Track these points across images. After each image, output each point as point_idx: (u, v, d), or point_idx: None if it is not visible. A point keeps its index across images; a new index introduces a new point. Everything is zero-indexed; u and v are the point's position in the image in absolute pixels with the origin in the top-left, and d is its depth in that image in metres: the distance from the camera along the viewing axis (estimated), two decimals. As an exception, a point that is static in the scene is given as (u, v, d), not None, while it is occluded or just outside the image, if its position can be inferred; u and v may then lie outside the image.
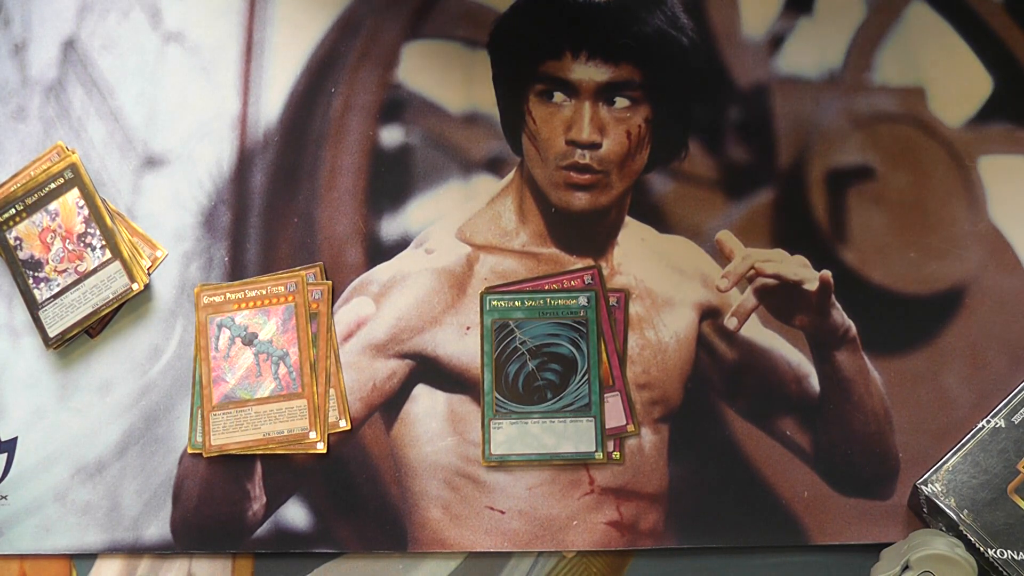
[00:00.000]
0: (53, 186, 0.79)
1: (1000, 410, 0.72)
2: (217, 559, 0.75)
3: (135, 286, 0.77)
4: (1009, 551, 0.68)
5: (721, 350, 0.76)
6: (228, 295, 0.77)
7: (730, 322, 0.76)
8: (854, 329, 0.76)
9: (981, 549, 0.68)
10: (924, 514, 0.71)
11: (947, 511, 0.69)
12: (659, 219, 0.79)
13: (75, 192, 0.79)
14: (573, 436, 0.74)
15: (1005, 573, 0.68)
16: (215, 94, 0.82)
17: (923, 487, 0.70)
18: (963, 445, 0.71)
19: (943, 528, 0.70)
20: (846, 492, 0.73)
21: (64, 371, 0.78)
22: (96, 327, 0.78)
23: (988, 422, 0.71)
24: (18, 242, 0.78)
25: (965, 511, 0.69)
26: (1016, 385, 0.73)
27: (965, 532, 0.69)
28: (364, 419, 0.76)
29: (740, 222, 0.78)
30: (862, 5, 0.82)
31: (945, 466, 0.71)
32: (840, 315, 0.76)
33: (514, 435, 0.74)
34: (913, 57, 0.81)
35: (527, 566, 0.74)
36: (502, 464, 0.74)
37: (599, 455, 0.74)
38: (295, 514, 0.74)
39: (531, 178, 0.79)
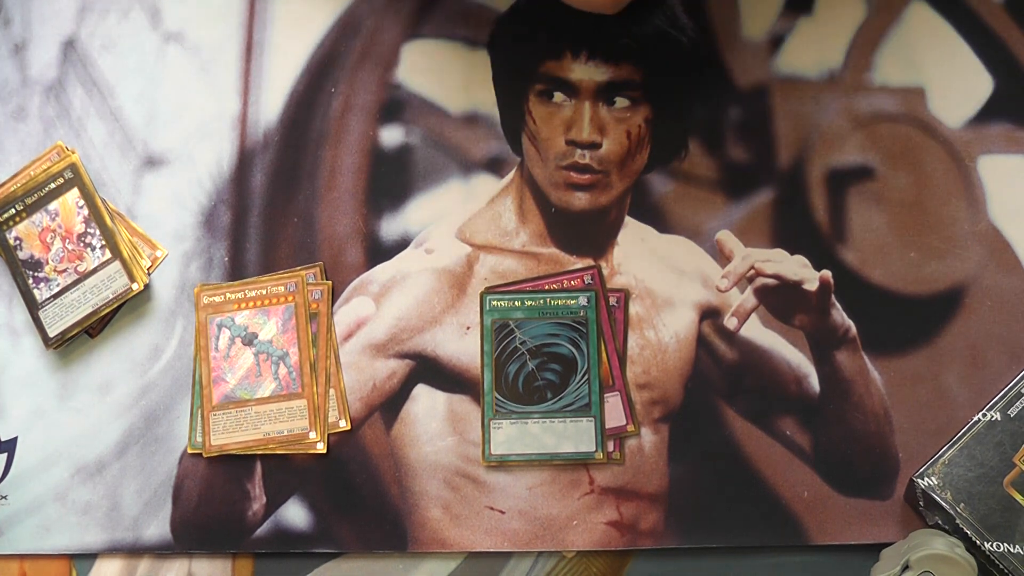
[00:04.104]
0: (53, 186, 0.79)
1: (996, 403, 0.72)
2: (217, 559, 0.75)
3: (135, 286, 0.77)
4: (1005, 544, 0.68)
5: (721, 350, 0.76)
6: (228, 295, 0.78)
7: (730, 322, 0.76)
8: (854, 329, 0.76)
9: (977, 542, 0.68)
10: (920, 508, 0.71)
11: (943, 504, 0.69)
12: (659, 219, 0.79)
13: (75, 192, 0.79)
14: (573, 436, 0.74)
15: (1001, 566, 0.68)
16: (215, 94, 0.82)
17: (919, 480, 0.70)
18: (959, 438, 0.71)
19: (939, 521, 0.70)
20: (846, 492, 0.73)
21: (64, 371, 0.78)
22: (96, 327, 0.78)
23: (984, 415, 0.72)
24: (18, 242, 0.78)
25: (961, 504, 0.69)
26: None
27: (961, 525, 0.69)
28: (364, 419, 0.76)
29: (740, 222, 0.78)
30: (862, 5, 0.82)
31: (941, 459, 0.71)
32: (840, 315, 0.76)
33: (514, 435, 0.74)
34: (913, 57, 0.81)
35: (527, 566, 0.74)
36: (502, 464, 0.74)
37: (599, 455, 0.74)
38: (295, 514, 0.74)
39: (531, 178, 0.80)
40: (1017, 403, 0.72)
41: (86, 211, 0.79)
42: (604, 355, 0.75)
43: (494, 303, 0.76)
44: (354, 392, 0.76)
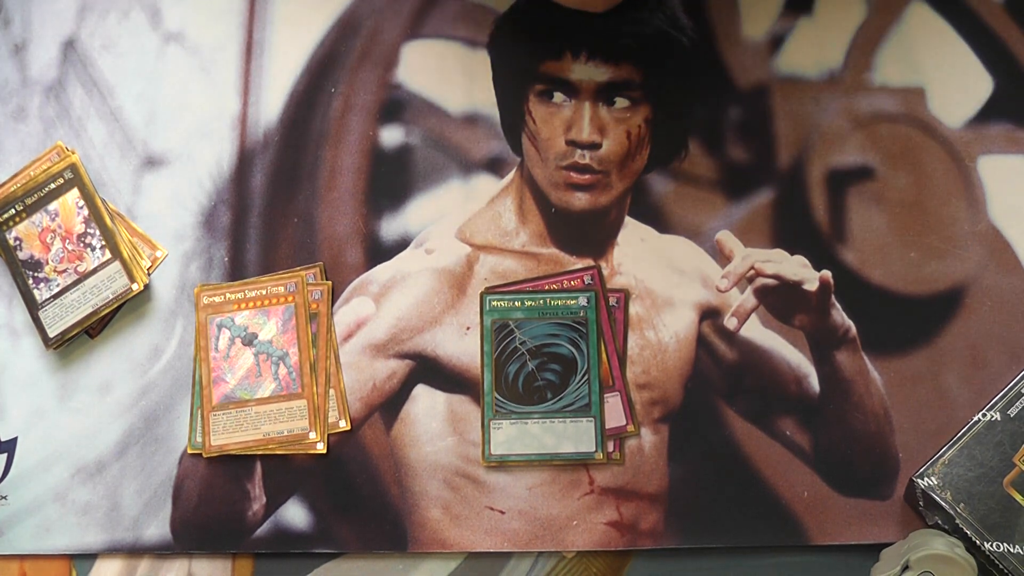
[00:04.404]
0: (53, 186, 0.79)
1: (996, 403, 0.72)
2: (217, 559, 0.75)
3: (135, 286, 0.77)
4: (1005, 544, 0.68)
5: (721, 350, 0.76)
6: (228, 295, 0.77)
7: (730, 322, 0.76)
8: (854, 329, 0.76)
9: (977, 542, 0.68)
10: (920, 508, 0.71)
11: (943, 504, 0.69)
12: (659, 219, 0.79)
13: (75, 192, 0.79)
14: (573, 436, 0.74)
15: (1001, 566, 0.68)
16: (215, 94, 0.82)
17: (919, 480, 0.70)
18: (959, 438, 0.71)
19: (939, 521, 0.70)
20: (846, 492, 0.73)
21: (64, 371, 0.78)
22: (96, 327, 0.78)
23: (984, 415, 0.72)
24: (18, 242, 0.78)
25: (961, 504, 0.69)
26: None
27: (961, 525, 0.69)
28: (364, 419, 0.76)
29: (740, 222, 0.78)
30: (862, 5, 0.82)
31: (941, 459, 0.71)
32: (840, 315, 0.76)
33: (514, 435, 0.74)
34: (913, 57, 0.81)
35: (527, 566, 0.74)
36: (502, 464, 0.74)
37: (599, 455, 0.74)
38: (295, 514, 0.74)
39: (531, 178, 0.80)
40: (1017, 403, 0.72)
41: (86, 211, 0.79)
42: (604, 355, 0.75)
43: (494, 303, 0.76)
44: (354, 392, 0.76)
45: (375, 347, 0.77)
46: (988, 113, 0.80)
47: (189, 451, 0.76)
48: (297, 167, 0.81)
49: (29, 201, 0.79)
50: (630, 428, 0.74)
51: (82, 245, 0.78)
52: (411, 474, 0.74)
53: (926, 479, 0.70)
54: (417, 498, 0.74)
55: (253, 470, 0.75)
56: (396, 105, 0.81)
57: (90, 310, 0.77)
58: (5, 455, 0.76)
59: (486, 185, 0.80)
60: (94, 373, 0.78)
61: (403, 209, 0.80)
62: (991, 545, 0.68)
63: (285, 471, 0.75)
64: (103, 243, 0.78)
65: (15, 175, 0.81)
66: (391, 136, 0.81)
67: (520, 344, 0.76)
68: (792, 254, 0.77)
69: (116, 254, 0.78)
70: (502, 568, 0.74)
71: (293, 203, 0.80)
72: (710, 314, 0.77)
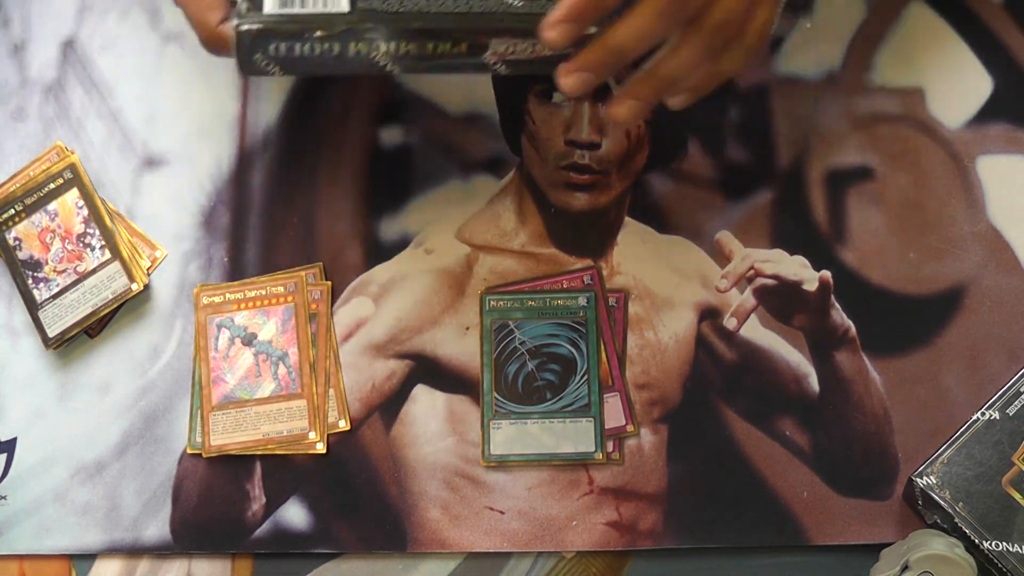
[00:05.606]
0: (52, 186, 0.79)
1: (995, 402, 0.72)
2: (217, 559, 0.75)
3: (135, 286, 0.77)
4: (1004, 543, 0.68)
5: (721, 350, 0.76)
6: (228, 295, 0.77)
7: (729, 322, 0.76)
8: (853, 329, 0.76)
9: (976, 541, 0.68)
10: (919, 507, 0.71)
11: (942, 503, 0.69)
12: (659, 219, 0.79)
13: (74, 192, 0.79)
14: (572, 436, 0.74)
15: (1000, 565, 0.68)
16: (215, 94, 0.82)
17: (918, 480, 0.70)
18: (958, 437, 0.71)
19: (938, 520, 0.70)
20: (846, 492, 0.73)
21: (64, 371, 0.78)
22: (96, 327, 0.78)
23: (983, 414, 0.72)
24: (17, 242, 0.78)
25: (960, 504, 0.69)
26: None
27: (960, 524, 0.69)
28: (363, 419, 0.76)
29: (740, 222, 0.78)
30: (862, 5, 0.82)
31: (940, 459, 0.71)
32: (839, 315, 0.76)
33: (513, 435, 0.74)
34: (913, 57, 0.81)
35: (526, 566, 0.74)
36: (501, 464, 0.74)
37: (598, 455, 0.74)
38: (295, 514, 0.74)
39: (530, 178, 0.79)
40: (1016, 402, 0.72)
41: (85, 211, 0.79)
42: (603, 355, 0.75)
43: (493, 303, 0.76)
44: (353, 392, 0.76)
45: (375, 347, 0.77)
46: (987, 113, 0.80)
47: (189, 451, 0.76)
48: (297, 167, 0.81)
49: (28, 201, 0.79)
50: (630, 428, 0.74)
51: (82, 245, 0.78)
52: (411, 474, 0.74)
53: (925, 478, 0.70)
54: (417, 498, 0.74)
55: (253, 470, 0.75)
56: (396, 105, 0.81)
57: (90, 310, 0.77)
58: (5, 455, 0.76)
59: (485, 185, 0.80)
60: (94, 373, 0.78)
61: (403, 209, 0.80)
62: (990, 544, 0.68)
63: (285, 471, 0.75)
64: (103, 243, 0.78)
65: (14, 175, 0.81)
66: (391, 136, 0.81)
67: (520, 344, 0.76)
68: (792, 254, 0.77)
69: (116, 254, 0.78)
70: (502, 568, 0.74)
71: (293, 203, 0.80)
72: (710, 314, 0.77)
